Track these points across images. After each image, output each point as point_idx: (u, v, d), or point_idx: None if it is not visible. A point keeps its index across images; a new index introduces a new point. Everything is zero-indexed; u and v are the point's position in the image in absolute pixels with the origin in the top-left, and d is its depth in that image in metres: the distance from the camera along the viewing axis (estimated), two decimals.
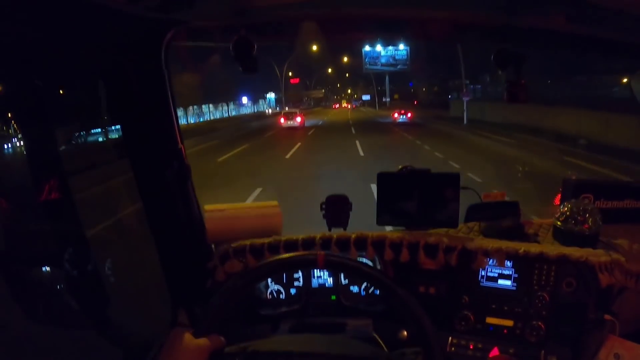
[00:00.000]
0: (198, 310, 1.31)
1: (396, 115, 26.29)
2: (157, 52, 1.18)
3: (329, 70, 71.79)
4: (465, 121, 21.21)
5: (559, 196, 1.56)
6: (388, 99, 58.04)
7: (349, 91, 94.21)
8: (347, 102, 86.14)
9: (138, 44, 1.15)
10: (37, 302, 0.95)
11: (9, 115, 0.94)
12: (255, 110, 65.37)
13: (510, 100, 1.29)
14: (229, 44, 1.10)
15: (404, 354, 0.98)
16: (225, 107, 50.57)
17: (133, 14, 0.96)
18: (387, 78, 54.51)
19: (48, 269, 0.91)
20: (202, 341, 0.82)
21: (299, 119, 26.73)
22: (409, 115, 25.82)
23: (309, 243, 1.34)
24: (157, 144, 1.26)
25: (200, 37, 1.50)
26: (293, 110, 30.48)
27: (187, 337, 0.83)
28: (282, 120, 27.05)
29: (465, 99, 21.57)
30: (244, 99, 59.11)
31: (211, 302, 0.88)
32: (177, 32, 1.16)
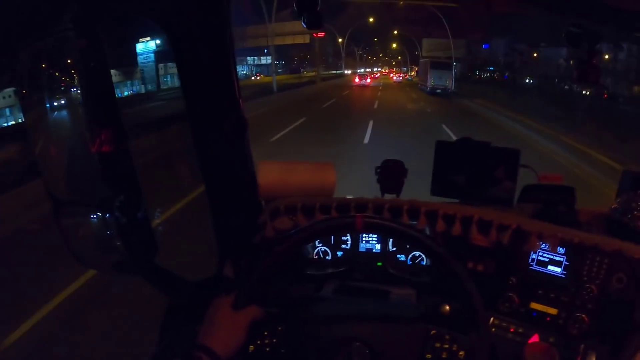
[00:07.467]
0: (244, 263, 1.33)
1: None
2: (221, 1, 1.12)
3: None
4: None
5: None
6: None
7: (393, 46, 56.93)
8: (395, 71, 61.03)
9: None
10: (87, 246, 0.99)
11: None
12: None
13: (580, 81, 1.23)
14: None
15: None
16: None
17: None
18: None
19: (99, 214, 0.93)
20: (241, 316, 0.87)
21: (368, 80, 40.35)
22: None
23: (361, 206, 1.30)
24: (216, 95, 1.22)
25: None
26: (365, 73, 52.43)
27: (226, 311, 0.87)
28: (356, 79, 39.86)
29: None
30: None
31: (249, 277, 0.90)
32: None
